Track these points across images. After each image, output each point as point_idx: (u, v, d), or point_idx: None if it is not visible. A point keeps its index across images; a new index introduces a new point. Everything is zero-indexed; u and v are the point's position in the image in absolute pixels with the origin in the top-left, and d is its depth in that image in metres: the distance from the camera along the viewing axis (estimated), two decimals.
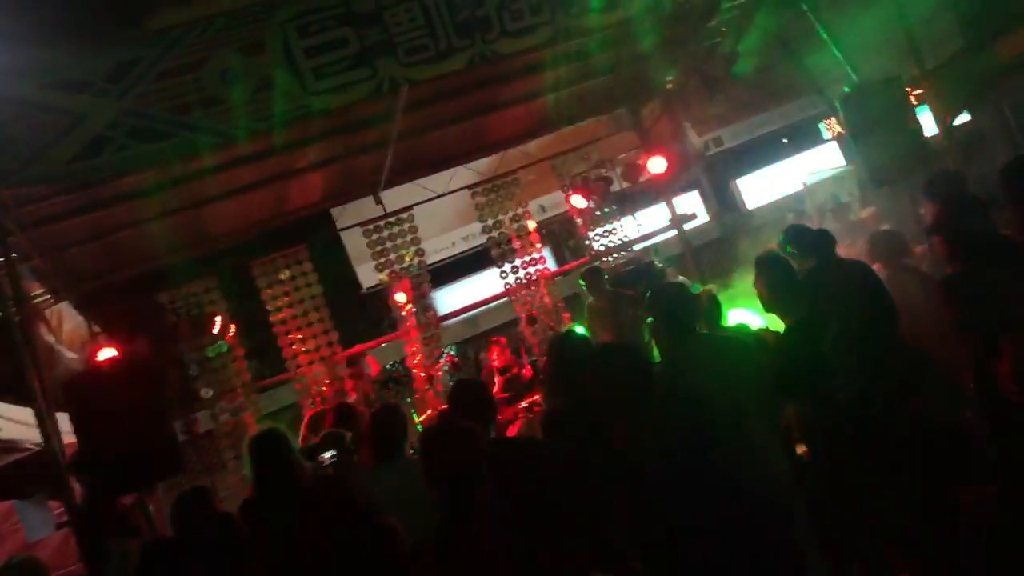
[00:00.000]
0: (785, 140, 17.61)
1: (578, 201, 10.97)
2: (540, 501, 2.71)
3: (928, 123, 7.86)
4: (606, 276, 9.65)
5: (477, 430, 3.44)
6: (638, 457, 3.02)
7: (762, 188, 17.30)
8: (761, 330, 5.41)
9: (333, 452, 5.16)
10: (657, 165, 10.24)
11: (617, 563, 2.14)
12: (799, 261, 5.24)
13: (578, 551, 2.12)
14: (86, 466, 5.41)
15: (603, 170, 11.08)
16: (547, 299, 10.74)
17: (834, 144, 16.80)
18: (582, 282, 9.56)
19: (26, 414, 6.44)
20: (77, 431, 5.46)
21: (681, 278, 9.19)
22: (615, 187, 11.13)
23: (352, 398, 9.31)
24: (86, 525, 5.46)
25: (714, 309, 5.75)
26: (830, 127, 12.83)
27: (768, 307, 4.94)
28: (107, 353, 6.79)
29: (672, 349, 4.28)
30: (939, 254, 4.82)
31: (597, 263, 10.58)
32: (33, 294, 8.19)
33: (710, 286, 6.93)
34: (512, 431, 8.30)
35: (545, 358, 5.04)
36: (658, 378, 4.13)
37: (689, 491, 2.89)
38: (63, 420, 5.78)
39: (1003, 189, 4.39)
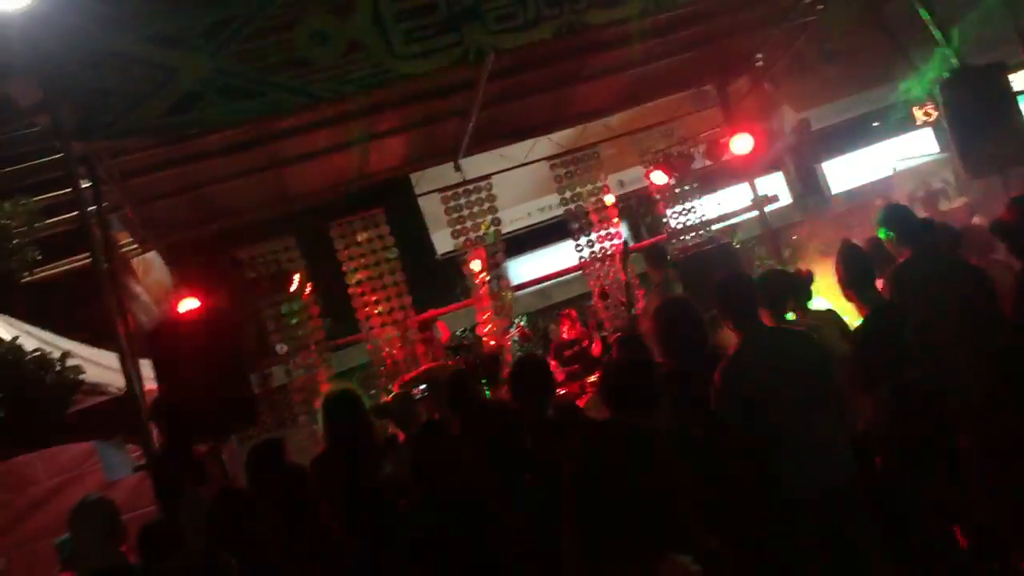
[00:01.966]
0: (876, 124, 17.10)
1: (658, 177, 10.83)
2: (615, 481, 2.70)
3: None
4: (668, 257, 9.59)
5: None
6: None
7: (849, 172, 16.85)
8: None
9: (425, 385, 5.28)
10: (742, 144, 10.03)
11: (693, 543, 2.13)
12: (894, 246, 5.10)
13: (650, 531, 2.12)
14: (165, 412, 5.57)
15: (686, 147, 10.91)
16: (621, 274, 10.64)
17: (927, 131, 16.26)
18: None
19: (111, 359, 6.67)
20: (158, 378, 5.62)
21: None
22: (697, 164, 10.92)
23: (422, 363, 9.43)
24: (161, 469, 5.64)
25: (805, 290, 5.60)
26: (926, 114, 12.39)
27: (847, 293, 4.85)
28: (189, 304, 6.95)
29: (738, 343, 4.25)
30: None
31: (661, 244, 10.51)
32: (122, 243, 8.46)
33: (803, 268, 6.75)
34: (581, 404, 8.30)
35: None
36: (723, 374, 4.10)
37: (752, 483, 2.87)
38: (146, 367, 5.97)
39: None
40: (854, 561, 3.83)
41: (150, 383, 5.91)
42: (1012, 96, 6.88)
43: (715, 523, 2.92)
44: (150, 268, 9.41)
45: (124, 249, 8.58)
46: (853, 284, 4.79)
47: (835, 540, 3.85)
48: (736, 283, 4.48)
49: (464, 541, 3.57)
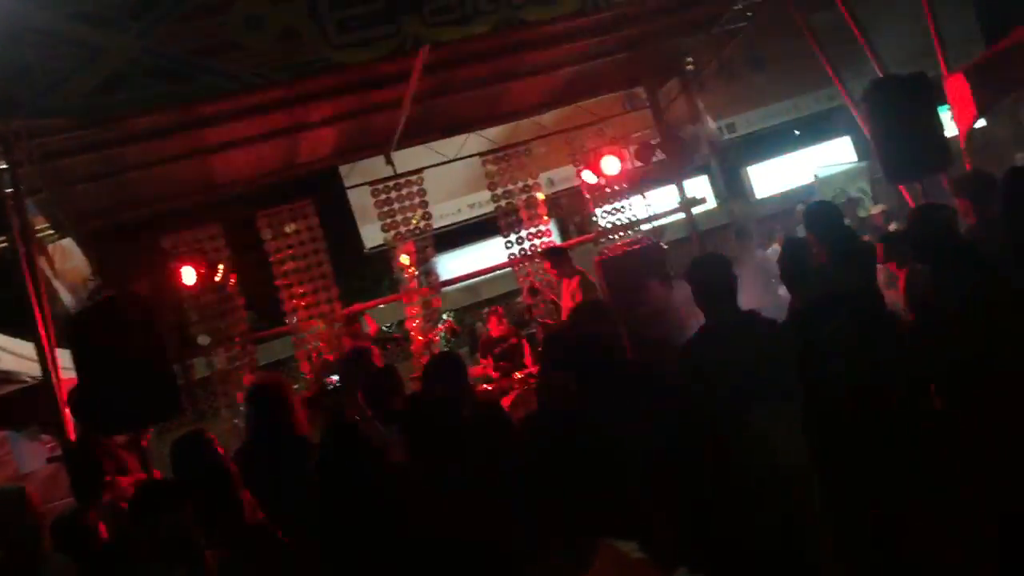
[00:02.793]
0: (797, 132, 17.55)
1: (589, 176, 10.91)
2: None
3: (948, 124, 7.81)
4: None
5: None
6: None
7: (772, 178, 17.26)
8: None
9: (337, 378, 5.21)
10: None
11: (641, 530, 2.15)
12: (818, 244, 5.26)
13: (591, 514, 2.14)
14: (84, 402, 5.41)
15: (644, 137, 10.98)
16: (551, 272, 10.72)
17: (846, 139, 16.76)
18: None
19: (26, 347, 6.45)
20: (77, 367, 5.45)
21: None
22: (627, 166, 11.04)
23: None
24: (78, 461, 5.47)
25: None
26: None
27: (788, 287, 5.02)
28: (109, 292, 6.76)
29: (704, 323, 4.29)
30: None
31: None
32: (37, 228, 8.17)
33: None
34: (505, 403, 8.33)
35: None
36: (683, 352, 4.12)
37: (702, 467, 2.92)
38: (64, 356, 5.78)
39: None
40: (804, 548, 3.88)
41: (68, 372, 5.72)
42: (933, 105, 7.11)
43: (667, 505, 2.96)
44: (66, 255, 9.13)
45: (40, 234, 8.29)
46: (789, 283, 4.96)
47: (787, 526, 3.90)
48: (710, 265, 4.50)
49: (383, 530, 3.55)
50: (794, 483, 3.71)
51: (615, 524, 2.18)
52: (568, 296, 9.08)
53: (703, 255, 4.65)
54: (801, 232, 10.63)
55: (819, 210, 5.98)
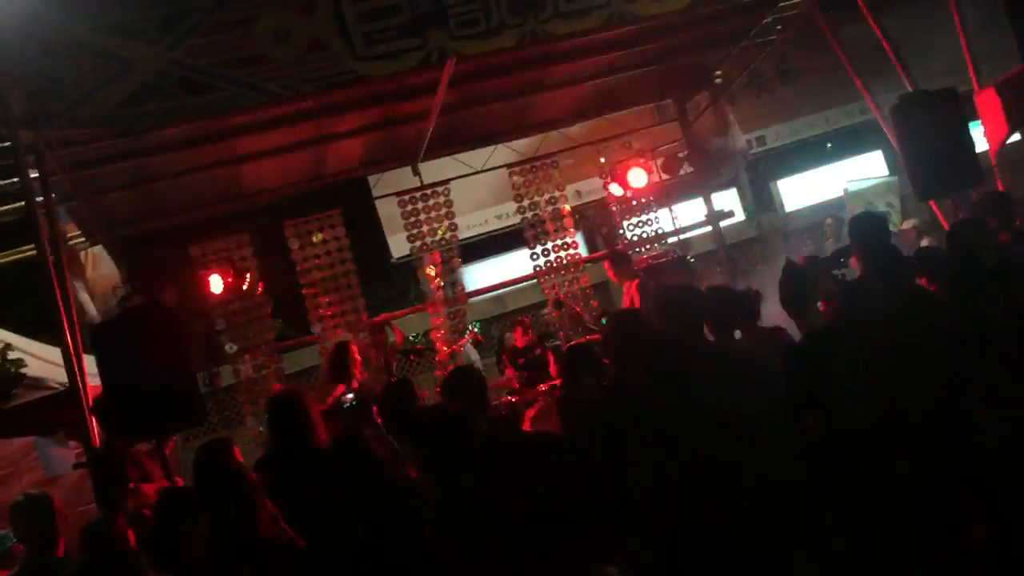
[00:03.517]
0: (829, 145, 17.41)
1: (616, 189, 10.89)
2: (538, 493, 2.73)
3: (979, 139, 7.71)
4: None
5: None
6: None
7: (802, 191, 17.12)
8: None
9: (353, 395, 5.20)
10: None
11: (621, 557, 2.14)
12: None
13: (577, 544, 2.12)
14: (108, 410, 5.46)
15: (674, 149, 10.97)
16: (576, 284, 10.70)
17: (876, 153, 16.59)
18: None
19: (54, 353, 6.52)
20: (102, 374, 5.51)
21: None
22: (654, 178, 11.02)
23: (373, 365, 9.36)
24: (102, 467, 5.52)
25: (752, 308, 5.59)
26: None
27: (789, 312, 4.90)
28: (137, 300, 6.82)
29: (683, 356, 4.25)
30: None
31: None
32: (69, 236, 8.30)
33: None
34: (530, 414, 8.31)
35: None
36: (662, 382, 4.08)
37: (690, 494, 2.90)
38: (90, 362, 5.84)
39: None
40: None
41: (94, 379, 5.78)
42: (962, 121, 7.03)
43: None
44: (97, 262, 9.25)
45: (71, 242, 8.41)
46: (791, 305, 4.82)
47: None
48: (682, 297, 4.47)
49: (397, 546, 3.56)
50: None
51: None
52: (627, 300, 9.11)
53: (671, 289, 4.58)
54: (831, 246, 10.57)
55: (866, 221, 5.86)
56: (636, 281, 9.10)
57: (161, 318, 5.74)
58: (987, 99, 7.60)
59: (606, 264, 9.83)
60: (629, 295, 9.13)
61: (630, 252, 10.55)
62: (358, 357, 7.67)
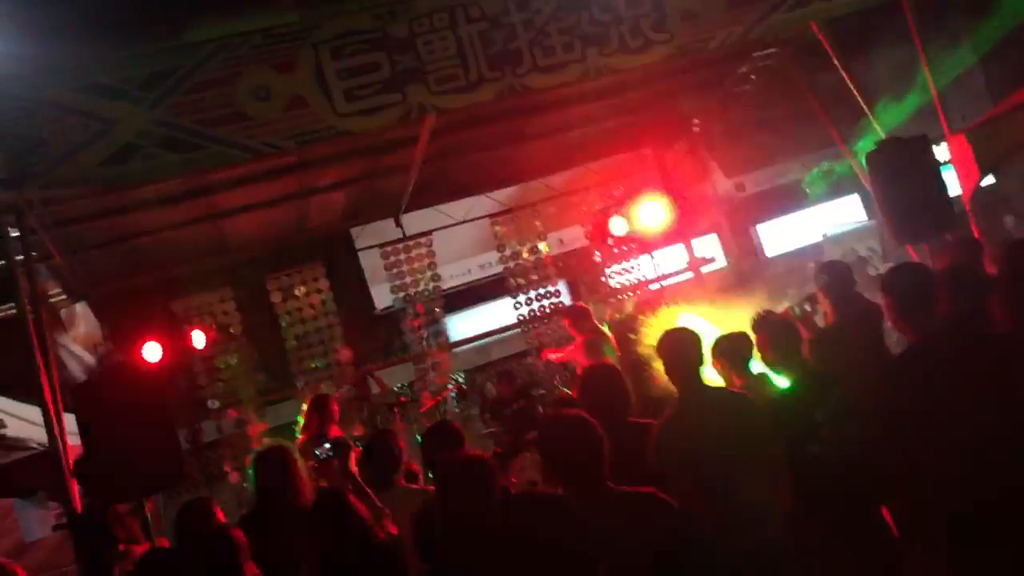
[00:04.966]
0: (807, 190, 17.57)
1: (597, 237, 10.95)
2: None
3: (953, 183, 7.82)
4: None
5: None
6: None
7: (781, 236, 17.23)
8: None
9: (330, 445, 5.16)
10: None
11: None
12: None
13: None
14: (88, 471, 5.40)
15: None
16: (570, 330, 10.70)
17: (855, 198, 16.76)
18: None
19: (33, 413, 6.46)
20: (83, 434, 5.45)
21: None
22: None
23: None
24: (83, 529, 5.45)
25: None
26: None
27: (768, 363, 4.85)
28: (118, 358, 6.79)
29: (679, 399, 4.28)
30: None
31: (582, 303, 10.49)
32: (49, 293, 8.25)
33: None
34: (516, 465, 8.25)
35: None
36: (661, 430, 4.10)
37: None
38: (70, 421, 5.79)
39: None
40: None
41: (75, 439, 5.72)
42: (936, 167, 7.15)
43: None
44: (79, 320, 9.19)
45: (52, 300, 8.36)
46: (771, 359, 4.79)
47: None
48: (678, 340, 4.49)
49: None
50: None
51: None
52: (575, 354, 8.99)
53: (668, 331, 4.59)
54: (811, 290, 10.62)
55: (830, 270, 5.97)
56: (587, 337, 8.92)
57: (141, 375, 5.72)
58: (958, 145, 7.73)
59: (565, 321, 9.60)
60: (579, 349, 8.88)
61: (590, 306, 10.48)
62: (336, 409, 7.68)
